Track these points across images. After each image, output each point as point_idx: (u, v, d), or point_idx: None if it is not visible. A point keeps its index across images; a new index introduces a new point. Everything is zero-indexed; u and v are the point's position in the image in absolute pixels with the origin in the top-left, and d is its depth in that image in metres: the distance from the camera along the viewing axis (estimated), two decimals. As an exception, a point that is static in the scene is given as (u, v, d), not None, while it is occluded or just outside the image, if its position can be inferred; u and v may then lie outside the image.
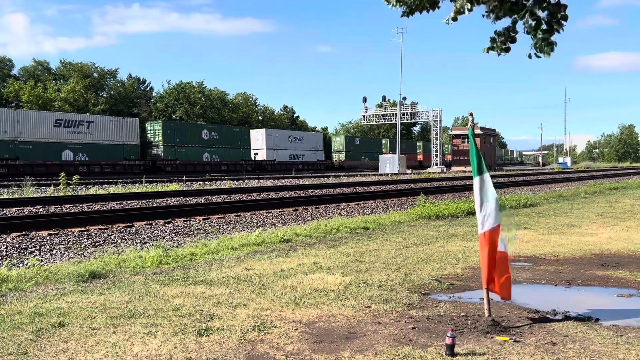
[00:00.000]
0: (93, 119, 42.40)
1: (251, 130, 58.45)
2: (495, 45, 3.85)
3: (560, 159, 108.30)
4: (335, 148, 69.70)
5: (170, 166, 46.23)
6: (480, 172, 4.63)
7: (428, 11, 4.41)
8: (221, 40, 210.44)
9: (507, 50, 3.88)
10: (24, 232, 10.12)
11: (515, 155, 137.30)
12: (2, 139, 35.31)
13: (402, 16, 4.63)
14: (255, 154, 56.74)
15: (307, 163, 61.12)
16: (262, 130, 59.06)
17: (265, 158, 56.69)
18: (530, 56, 3.81)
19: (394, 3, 4.27)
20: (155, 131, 47.30)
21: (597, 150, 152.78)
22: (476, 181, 4.64)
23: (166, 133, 46.90)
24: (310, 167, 60.80)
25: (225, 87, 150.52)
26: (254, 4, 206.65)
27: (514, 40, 3.87)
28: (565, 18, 3.68)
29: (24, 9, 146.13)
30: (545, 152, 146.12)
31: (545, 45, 3.67)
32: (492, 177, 4.84)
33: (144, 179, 29.13)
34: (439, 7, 4.49)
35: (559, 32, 3.77)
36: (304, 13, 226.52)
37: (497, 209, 4.59)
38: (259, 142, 57.47)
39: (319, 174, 44.68)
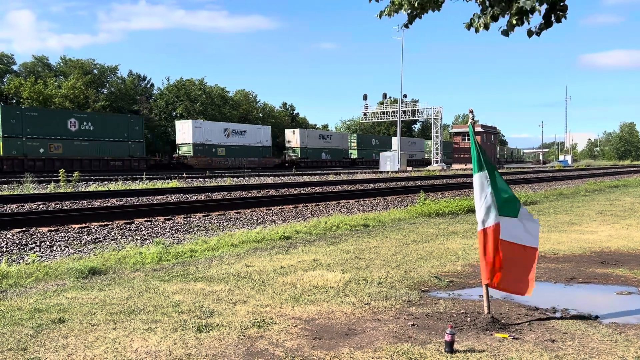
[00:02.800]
0: (332, 133, 72.99)
1: (392, 138, 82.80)
2: (479, 21, 3.86)
3: (561, 157, 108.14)
4: (427, 149, 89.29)
5: (361, 162, 72.88)
6: (480, 169, 4.63)
7: (434, 10, 4.42)
8: (226, 38, 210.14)
9: (487, 27, 3.91)
10: (24, 229, 10.13)
11: (515, 153, 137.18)
12: (300, 147, 63.96)
13: (403, 25, 4.65)
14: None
15: (418, 160, 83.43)
16: (396, 138, 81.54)
17: None
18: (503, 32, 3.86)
19: (406, 7, 4.29)
20: (351, 140, 75.20)
21: (597, 148, 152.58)
22: (476, 178, 4.64)
23: (358, 141, 74.91)
24: (419, 163, 79.77)
25: (227, 84, 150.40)
26: (261, 1, 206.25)
27: (495, 19, 3.90)
28: (565, 9, 3.68)
29: (31, 5, 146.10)
30: (546, 150, 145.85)
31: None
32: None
33: (143, 176, 29.22)
34: (439, 9, 4.49)
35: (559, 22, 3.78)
36: (309, 10, 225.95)
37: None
38: (395, 146, 78.71)
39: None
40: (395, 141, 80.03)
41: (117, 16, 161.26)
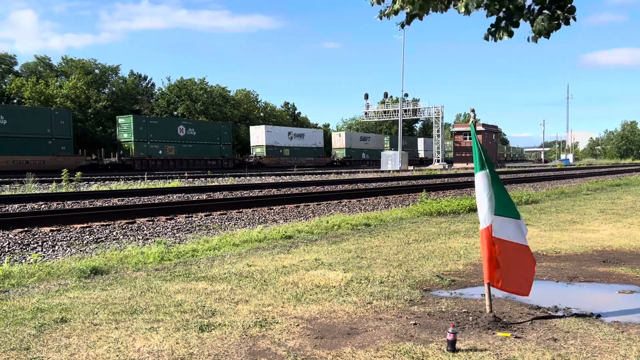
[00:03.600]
0: (370, 135, 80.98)
1: (418, 139, 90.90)
2: (498, 31, 3.82)
3: (563, 156, 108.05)
4: (448, 149, 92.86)
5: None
6: (482, 168, 4.63)
7: (443, 11, 4.40)
8: (228, 37, 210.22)
9: (511, 34, 3.88)
10: (26, 229, 10.15)
11: (517, 152, 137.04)
12: (345, 147, 71.19)
13: (400, 24, 4.61)
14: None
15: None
16: (421, 139, 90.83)
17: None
18: (529, 39, 3.84)
19: (405, 5, 4.25)
20: (385, 141, 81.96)
21: (599, 147, 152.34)
22: (478, 177, 4.64)
23: (391, 142, 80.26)
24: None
25: (228, 83, 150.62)
26: (263, 1, 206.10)
27: (517, 25, 3.87)
28: (573, 11, 3.66)
29: (33, 5, 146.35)
30: (548, 149, 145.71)
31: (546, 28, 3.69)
32: (494, 173, 4.83)
33: (145, 176, 29.26)
34: (445, 10, 4.47)
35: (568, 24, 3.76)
36: (311, 10, 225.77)
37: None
38: (420, 146, 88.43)
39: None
40: (420, 142, 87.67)
41: (119, 16, 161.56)
